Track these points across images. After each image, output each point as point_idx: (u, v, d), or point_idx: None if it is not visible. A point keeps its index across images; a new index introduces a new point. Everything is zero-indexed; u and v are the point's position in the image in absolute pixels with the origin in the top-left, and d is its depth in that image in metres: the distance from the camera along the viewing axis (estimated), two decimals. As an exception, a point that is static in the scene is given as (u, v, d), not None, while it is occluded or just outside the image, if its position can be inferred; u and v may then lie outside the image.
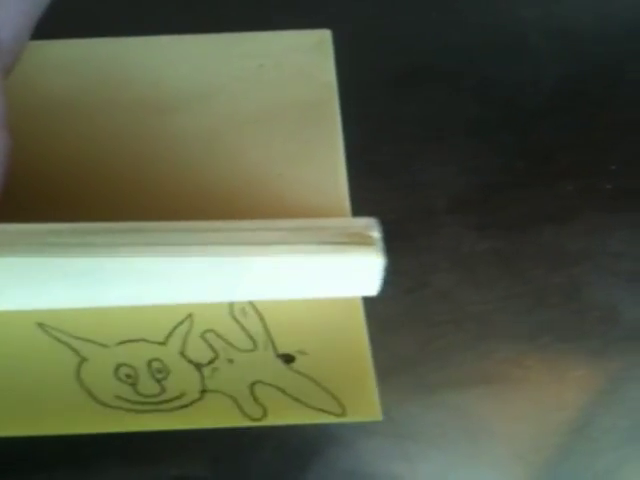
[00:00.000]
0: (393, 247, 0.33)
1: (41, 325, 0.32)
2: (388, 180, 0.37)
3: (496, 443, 0.31)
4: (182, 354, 0.31)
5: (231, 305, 0.33)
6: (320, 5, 0.42)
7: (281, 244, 0.30)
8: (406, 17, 0.42)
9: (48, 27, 0.33)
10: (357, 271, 0.31)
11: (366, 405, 0.30)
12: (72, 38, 0.40)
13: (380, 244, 0.30)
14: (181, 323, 0.32)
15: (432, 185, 0.37)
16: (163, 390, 0.30)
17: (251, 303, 0.33)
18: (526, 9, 0.43)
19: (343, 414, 0.30)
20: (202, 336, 0.32)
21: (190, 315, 0.32)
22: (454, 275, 0.35)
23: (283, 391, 0.31)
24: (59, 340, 0.32)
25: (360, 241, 0.30)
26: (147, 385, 0.31)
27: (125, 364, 0.31)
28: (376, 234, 0.30)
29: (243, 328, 0.32)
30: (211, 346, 0.32)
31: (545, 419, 0.31)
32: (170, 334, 0.32)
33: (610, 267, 0.35)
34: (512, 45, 0.41)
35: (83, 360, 0.31)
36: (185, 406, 0.30)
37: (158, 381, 0.31)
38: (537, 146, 0.38)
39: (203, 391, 0.31)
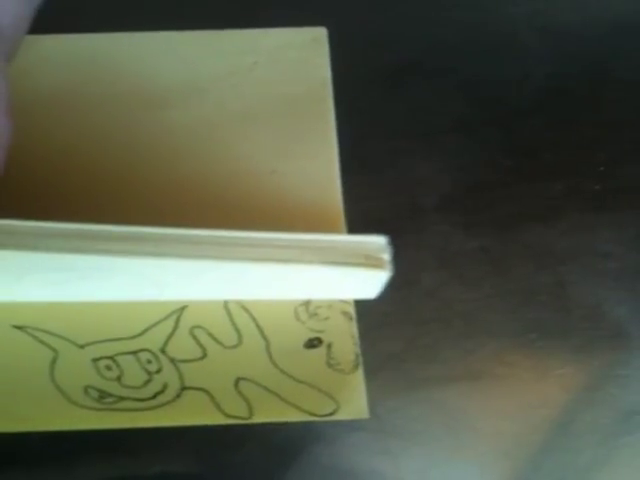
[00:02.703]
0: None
1: (20, 326, 0.32)
2: (376, 177, 0.37)
3: (479, 439, 0.31)
4: (165, 350, 0.32)
5: (223, 302, 0.33)
6: (310, 2, 0.42)
7: (289, 262, 0.30)
8: (395, 15, 0.42)
9: (42, 22, 0.33)
10: (362, 285, 0.32)
11: (354, 403, 0.31)
12: (65, 33, 0.40)
13: (389, 264, 0.30)
14: (168, 318, 0.32)
15: (420, 182, 0.37)
16: (150, 380, 0.31)
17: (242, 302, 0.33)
18: (514, 8, 0.43)
19: (330, 413, 0.30)
20: (191, 333, 0.32)
21: (180, 310, 0.33)
22: (441, 273, 0.35)
23: (268, 389, 0.31)
24: (37, 339, 0.32)
25: (370, 263, 0.30)
26: (133, 376, 0.31)
27: (106, 357, 0.31)
28: (387, 256, 0.30)
29: (233, 323, 0.32)
30: (198, 342, 0.32)
31: (528, 415, 0.32)
32: (156, 329, 0.32)
33: (596, 266, 0.35)
34: (500, 43, 0.42)
35: (58, 357, 0.31)
36: (167, 403, 0.30)
37: (148, 373, 0.31)
38: (525, 145, 0.38)
39: (185, 388, 0.31)
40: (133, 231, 0.29)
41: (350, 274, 0.30)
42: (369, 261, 0.30)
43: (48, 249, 0.28)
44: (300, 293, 0.33)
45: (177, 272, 0.30)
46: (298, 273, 0.31)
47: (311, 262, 0.30)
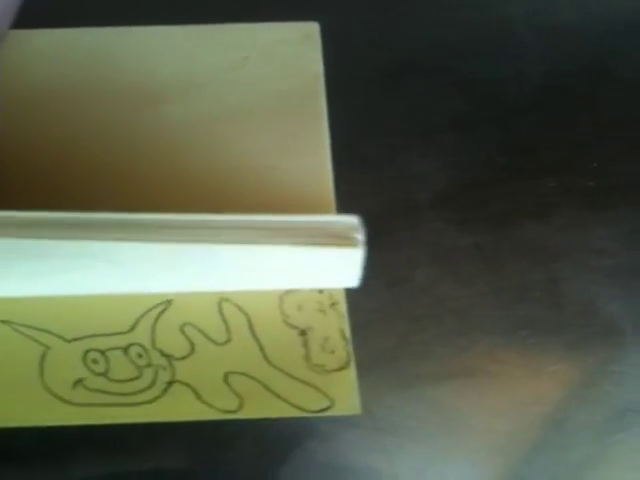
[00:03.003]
0: (375, 241, 0.33)
1: (6, 322, 0.32)
2: (371, 174, 0.37)
3: (473, 436, 0.31)
4: (154, 345, 0.32)
5: (212, 297, 0.33)
6: (309, 1, 0.42)
7: (258, 243, 0.30)
8: (392, 12, 0.42)
9: (39, 17, 0.32)
10: (337, 267, 0.32)
11: (346, 399, 0.31)
12: (62, 27, 0.40)
13: (362, 243, 0.30)
14: (159, 312, 0.32)
15: (415, 179, 0.37)
16: (139, 375, 0.31)
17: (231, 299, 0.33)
18: (512, 6, 0.43)
19: (322, 409, 0.30)
20: (180, 328, 0.32)
21: (167, 303, 0.32)
22: (435, 270, 0.35)
23: (260, 384, 0.31)
24: (24, 335, 0.32)
25: (342, 242, 0.30)
26: (121, 371, 0.31)
27: (94, 351, 0.31)
28: (359, 236, 0.30)
29: (223, 320, 0.32)
30: (187, 338, 0.32)
31: (522, 412, 0.32)
32: (143, 322, 0.32)
33: (589, 263, 0.35)
34: (497, 41, 0.42)
35: (48, 352, 0.31)
36: (156, 398, 0.30)
37: (137, 367, 0.31)
38: (520, 142, 0.38)
39: (173, 382, 0.31)
40: (105, 218, 0.30)
41: (322, 255, 0.30)
42: (341, 241, 0.30)
43: (29, 236, 0.29)
44: (280, 281, 0.33)
45: (150, 257, 0.31)
46: (270, 255, 0.31)
47: (281, 243, 0.30)
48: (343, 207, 0.35)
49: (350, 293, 0.33)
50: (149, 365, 0.31)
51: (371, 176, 0.37)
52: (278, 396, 0.31)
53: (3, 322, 0.32)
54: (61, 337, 0.32)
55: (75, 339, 0.32)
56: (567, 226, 0.36)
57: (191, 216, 0.31)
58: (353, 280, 0.32)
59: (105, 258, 0.31)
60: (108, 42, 0.40)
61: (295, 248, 0.30)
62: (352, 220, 0.31)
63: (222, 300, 0.33)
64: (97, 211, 0.30)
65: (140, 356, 0.31)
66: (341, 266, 0.32)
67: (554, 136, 0.39)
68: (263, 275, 0.32)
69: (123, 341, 0.32)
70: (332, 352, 0.32)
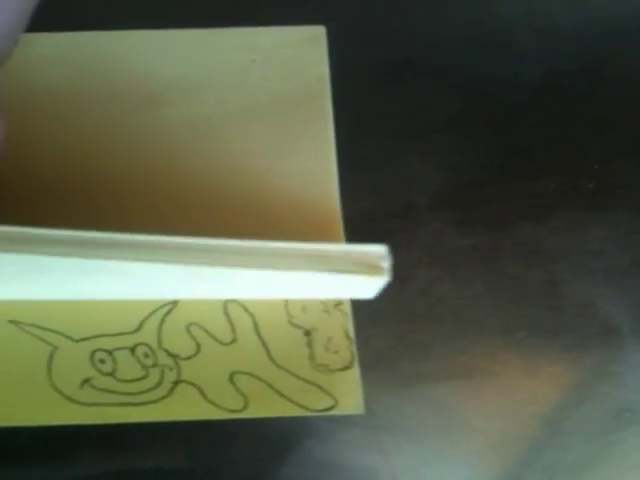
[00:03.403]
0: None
1: (14, 322, 0.32)
2: (369, 174, 0.37)
3: (471, 436, 0.32)
4: (161, 345, 0.32)
5: (218, 299, 0.33)
6: (307, 1, 0.42)
7: (290, 270, 0.30)
8: (391, 13, 0.42)
9: (39, 20, 0.33)
10: (361, 289, 0.32)
11: (350, 399, 0.31)
12: (64, 31, 0.40)
13: (388, 271, 0.30)
14: (165, 313, 0.33)
15: (414, 180, 0.37)
16: (146, 375, 0.31)
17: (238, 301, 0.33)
18: (510, 7, 0.43)
19: (326, 409, 0.31)
20: (186, 328, 0.32)
21: (173, 303, 0.33)
22: (434, 271, 0.35)
23: (265, 383, 0.31)
24: (33, 334, 0.32)
25: (371, 271, 0.30)
26: (128, 371, 0.31)
27: (102, 351, 0.32)
28: (386, 264, 0.30)
29: (228, 320, 0.33)
30: (193, 338, 0.32)
31: (519, 413, 0.32)
32: (149, 322, 0.32)
33: (588, 264, 0.35)
34: (496, 42, 0.42)
35: (56, 352, 0.31)
36: (162, 397, 0.31)
37: (144, 367, 0.31)
38: (518, 143, 0.38)
39: (179, 382, 0.31)
40: (126, 239, 0.29)
41: (351, 281, 0.31)
42: (370, 270, 0.30)
43: (37, 253, 0.29)
44: (299, 295, 0.33)
45: (174, 277, 0.31)
46: (299, 280, 0.31)
47: (313, 270, 0.30)
48: (341, 208, 0.35)
49: (350, 294, 0.34)
50: (155, 365, 0.31)
51: (369, 177, 0.37)
52: (282, 395, 0.31)
53: (12, 322, 0.32)
54: (69, 337, 0.32)
55: (83, 339, 0.32)
56: (565, 227, 0.36)
57: (213, 240, 0.30)
58: (370, 295, 0.32)
59: (117, 274, 0.31)
60: (110, 46, 0.40)
61: (326, 275, 0.30)
62: (380, 250, 0.31)
63: (228, 301, 0.33)
64: (111, 230, 0.30)
65: (147, 356, 0.32)
66: (365, 288, 0.32)
67: (552, 137, 0.39)
68: (283, 292, 0.33)
69: (130, 341, 0.32)
70: (336, 352, 0.32)
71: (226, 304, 0.33)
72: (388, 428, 0.31)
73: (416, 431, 0.32)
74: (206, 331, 0.32)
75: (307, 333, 0.32)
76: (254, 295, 0.33)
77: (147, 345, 0.32)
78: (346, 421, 0.31)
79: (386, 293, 0.33)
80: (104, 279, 0.31)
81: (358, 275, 0.30)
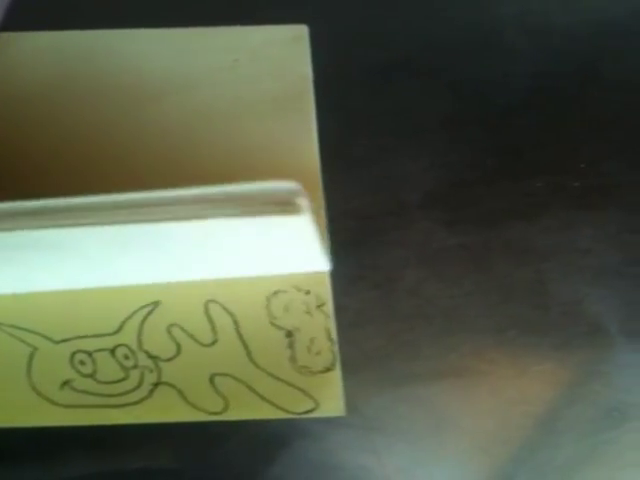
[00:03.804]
0: (364, 242, 0.34)
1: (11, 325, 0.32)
2: (360, 174, 0.37)
3: (462, 436, 0.32)
4: (141, 346, 0.32)
5: (199, 298, 0.33)
6: (297, 1, 0.42)
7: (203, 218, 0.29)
8: (383, 13, 0.42)
9: (38, 18, 0.32)
10: (292, 242, 0.31)
11: (330, 401, 0.31)
12: (54, 30, 0.40)
13: (308, 211, 0.29)
14: (146, 314, 0.32)
15: (404, 180, 0.37)
16: (126, 377, 0.31)
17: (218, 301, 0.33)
18: (503, 7, 0.43)
19: (307, 411, 0.31)
20: (167, 329, 0.32)
21: (154, 304, 0.32)
22: (423, 270, 0.35)
23: (245, 385, 0.31)
24: (12, 335, 0.32)
25: (285, 210, 0.29)
26: (108, 372, 0.31)
27: (82, 353, 0.31)
28: (302, 201, 0.29)
29: (209, 321, 0.32)
30: (174, 339, 0.32)
31: (509, 412, 0.32)
32: (129, 323, 0.32)
33: (576, 263, 0.35)
34: (488, 42, 0.42)
35: (36, 353, 0.31)
36: (142, 399, 0.30)
37: (124, 369, 0.31)
38: (509, 143, 0.38)
39: (159, 383, 0.31)
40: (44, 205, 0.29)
41: (265, 223, 0.29)
42: (284, 207, 0.29)
43: None
44: (241, 264, 0.32)
45: (104, 241, 0.30)
46: (213, 230, 0.30)
47: (219, 215, 0.29)
48: (331, 207, 0.35)
49: (339, 293, 0.33)
50: (136, 367, 0.31)
51: (360, 176, 0.37)
52: (263, 398, 0.31)
53: None
54: (49, 338, 0.32)
55: (63, 340, 0.32)
56: (554, 226, 0.36)
57: (128, 195, 0.29)
58: (323, 262, 0.32)
59: (49, 246, 0.30)
60: (100, 44, 0.40)
61: (234, 219, 0.29)
62: (292, 185, 0.29)
63: (209, 301, 0.33)
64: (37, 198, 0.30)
65: (127, 357, 0.31)
66: (296, 240, 0.31)
67: (543, 137, 0.39)
68: (220, 257, 0.32)
69: (110, 342, 0.32)
70: (318, 354, 0.32)
71: (207, 304, 0.33)
72: (379, 428, 0.31)
73: (407, 431, 0.31)
74: (187, 332, 0.32)
75: (289, 334, 0.32)
76: (199, 269, 0.32)
77: (127, 346, 0.32)
78: (337, 422, 0.31)
79: (376, 292, 0.33)
80: (40, 257, 0.31)
81: (272, 216, 0.29)
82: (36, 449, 0.30)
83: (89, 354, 0.31)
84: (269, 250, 0.32)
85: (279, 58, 0.40)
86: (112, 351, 0.31)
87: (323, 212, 0.35)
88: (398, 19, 0.42)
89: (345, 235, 0.34)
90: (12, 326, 0.32)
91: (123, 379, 0.31)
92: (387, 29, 0.42)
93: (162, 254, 0.32)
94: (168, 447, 0.30)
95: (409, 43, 0.41)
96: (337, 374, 0.32)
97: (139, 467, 0.30)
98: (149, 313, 0.32)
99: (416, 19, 0.42)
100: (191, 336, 0.32)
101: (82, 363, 0.31)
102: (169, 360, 0.31)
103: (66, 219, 0.29)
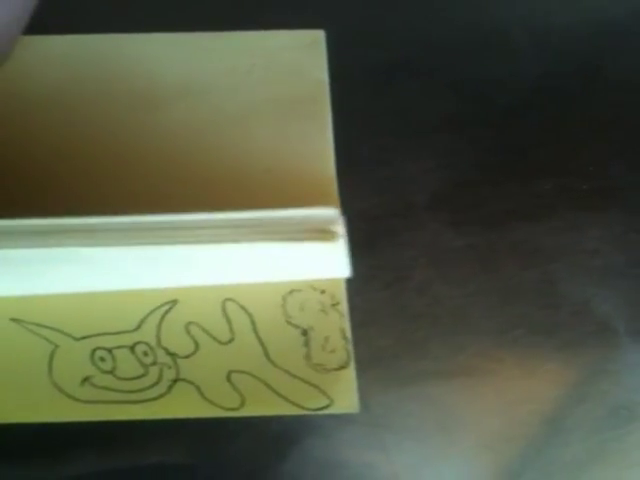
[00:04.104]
0: (372, 243, 0.34)
1: (16, 320, 0.32)
2: (366, 175, 0.37)
3: (468, 434, 0.32)
4: (160, 343, 0.32)
5: (217, 297, 0.33)
6: (302, 2, 0.42)
7: (234, 242, 0.31)
8: (385, 14, 0.42)
9: (41, 23, 0.33)
10: (322, 261, 0.32)
11: (345, 398, 0.31)
12: (66, 34, 0.40)
13: (343, 237, 0.31)
14: (165, 312, 0.33)
15: (410, 181, 0.37)
16: (145, 373, 0.31)
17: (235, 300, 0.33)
18: (506, 8, 0.43)
19: (321, 407, 0.31)
20: (185, 327, 0.32)
21: (173, 302, 0.33)
22: (431, 270, 0.35)
23: (261, 381, 0.31)
24: (34, 332, 0.32)
25: (321, 237, 0.31)
26: (128, 369, 0.31)
27: (102, 349, 0.32)
28: (339, 228, 0.31)
29: (227, 319, 0.33)
30: (192, 337, 0.32)
31: (516, 411, 0.32)
32: (148, 321, 0.32)
33: (583, 263, 0.36)
34: (492, 42, 0.42)
35: (57, 350, 0.32)
36: (161, 395, 0.31)
37: (143, 365, 0.31)
38: (514, 143, 0.39)
39: (178, 380, 0.31)
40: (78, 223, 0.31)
41: (305, 250, 0.31)
42: (323, 235, 0.30)
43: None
44: (268, 273, 0.33)
45: (127, 260, 0.31)
46: (250, 252, 0.31)
47: (257, 240, 0.30)
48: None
49: (348, 294, 0.34)
50: (155, 363, 0.32)
51: (366, 178, 0.37)
52: (278, 394, 0.31)
53: (13, 320, 0.32)
54: (70, 335, 0.32)
55: (83, 337, 0.32)
56: (561, 227, 0.36)
57: (166, 217, 0.31)
58: (343, 271, 0.32)
59: (84, 262, 0.31)
60: (111, 49, 0.40)
61: (272, 244, 0.31)
62: (331, 213, 0.31)
63: (226, 300, 0.33)
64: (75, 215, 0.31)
65: (146, 354, 0.32)
66: (326, 259, 0.32)
67: (548, 137, 0.39)
68: (251, 270, 0.33)
69: (130, 340, 0.32)
70: (332, 351, 0.32)
71: (225, 303, 0.33)
72: (388, 426, 0.32)
73: (415, 429, 0.32)
74: (205, 330, 0.32)
75: (304, 332, 0.33)
76: (224, 277, 0.33)
77: (146, 344, 0.32)
78: (345, 419, 0.31)
79: (384, 292, 0.33)
80: (73, 270, 0.32)
81: (311, 242, 0.30)
82: (48, 445, 0.31)
83: (109, 351, 0.32)
84: (294, 262, 0.33)
85: (296, 63, 0.40)
86: (131, 348, 0.32)
87: (340, 217, 0.35)
88: (400, 19, 0.42)
89: (353, 236, 0.34)
90: (34, 323, 0.32)
91: (142, 375, 0.31)
92: (389, 30, 0.42)
93: (189, 269, 0.32)
94: (179, 443, 0.31)
95: (412, 43, 0.42)
96: (351, 372, 0.32)
97: (151, 463, 0.30)
98: (167, 311, 0.33)
99: (418, 19, 0.43)
100: (209, 334, 0.32)
101: (102, 360, 0.31)
102: (187, 357, 0.32)
103: (104, 238, 0.30)
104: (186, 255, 0.32)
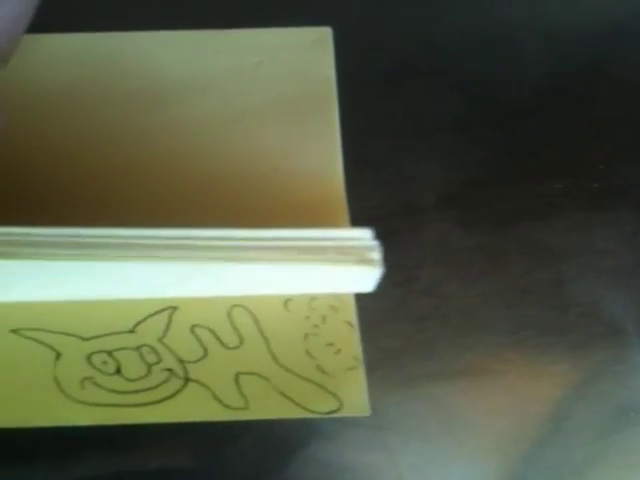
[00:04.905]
0: (381, 242, 0.34)
1: (15, 330, 0.32)
2: (376, 175, 0.37)
3: (476, 435, 0.32)
4: (166, 346, 0.32)
5: (224, 301, 0.33)
6: (309, 3, 0.42)
7: (280, 261, 0.31)
8: (392, 14, 0.42)
9: (44, 21, 0.33)
10: (355, 281, 0.32)
11: (355, 401, 0.31)
12: (71, 32, 0.41)
13: (379, 262, 0.31)
14: (168, 314, 0.33)
15: (419, 181, 0.37)
16: (152, 376, 0.31)
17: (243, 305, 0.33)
18: (512, 8, 0.43)
19: (332, 411, 0.31)
20: (191, 330, 0.32)
21: (174, 307, 0.33)
22: (440, 270, 0.35)
23: (270, 384, 0.31)
24: (36, 339, 0.32)
25: (360, 260, 0.31)
26: (133, 371, 0.31)
27: (106, 352, 0.32)
28: (377, 255, 0.31)
29: (232, 325, 0.33)
30: (200, 341, 0.32)
31: (524, 412, 0.32)
32: (153, 322, 0.33)
33: (593, 264, 0.35)
34: (498, 43, 0.42)
35: (60, 354, 0.32)
36: (168, 398, 0.31)
37: (148, 365, 0.31)
38: (523, 143, 0.39)
39: (185, 383, 0.31)
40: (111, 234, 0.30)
41: (341, 272, 0.31)
42: (360, 259, 0.31)
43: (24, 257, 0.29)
44: (292, 289, 0.33)
45: (158, 275, 0.31)
46: (287, 272, 0.31)
47: (298, 261, 0.31)
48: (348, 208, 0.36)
49: (356, 294, 0.34)
50: (160, 365, 0.32)
51: (374, 177, 0.37)
52: (287, 397, 0.31)
53: (13, 331, 0.32)
54: (74, 338, 0.32)
55: (86, 340, 0.32)
56: (571, 227, 0.36)
57: (205, 231, 0.31)
58: (368, 288, 0.33)
59: (109, 277, 0.31)
60: (115, 47, 0.40)
61: (312, 266, 0.31)
62: (371, 241, 0.31)
63: (233, 305, 0.33)
64: (100, 225, 0.31)
65: (151, 357, 0.32)
66: (358, 280, 0.32)
67: (556, 137, 0.39)
68: (277, 285, 0.33)
69: (134, 342, 0.32)
70: (341, 353, 0.32)
71: (231, 307, 0.33)
72: (393, 427, 0.32)
73: (421, 430, 0.32)
74: (212, 334, 0.32)
75: (312, 335, 0.33)
76: (249, 291, 0.33)
77: (152, 346, 0.32)
78: (351, 421, 0.31)
79: (392, 292, 0.33)
80: (99, 280, 0.32)
81: (349, 266, 0.31)
82: (52, 448, 0.31)
83: (111, 353, 0.32)
84: (323, 280, 0.33)
85: (302, 60, 0.40)
86: (136, 350, 0.32)
87: (347, 215, 0.35)
88: (407, 19, 0.42)
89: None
90: (36, 329, 0.32)
91: (148, 378, 0.31)
92: (397, 31, 0.42)
93: (214, 284, 0.33)
94: (183, 446, 0.31)
95: (420, 44, 0.42)
96: (361, 374, 0.32)
97: (154, 467, 0.30)
98: (173, 313, 0.33)
99: (426, 20, 0.43)
100: (217, 338, 0.32)
101: (105, 363, 0.31)
102: (195, 361, 0.32)
103: (130, 251, 0.30)
104: (219, 272, 0.32)
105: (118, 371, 0.31)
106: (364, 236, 0.32)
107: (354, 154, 0.37)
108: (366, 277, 0.32)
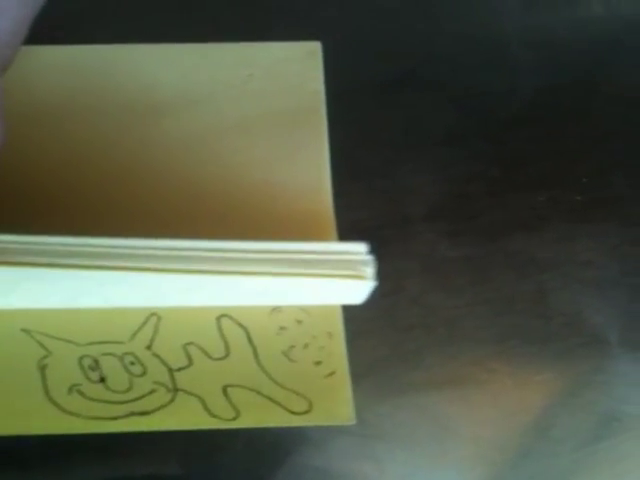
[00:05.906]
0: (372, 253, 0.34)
1: (25, 330, 0.33)
2: (366, 186, 0.38)
3: (462, 444, 0.32)
4: (154, 354, 0.32)
5: (212, 311, 0.33)
6: (307, 14, 0.43)
7: (271, 274, 0.31)
8: (386, 27, 0.43)
9: (40, 32, 0.33)
10: (347, 294, 0.33)
11: (341, 410, 0.31)
12: (64, 44, 0.41)
13: (373, 276, 0.31)
14: (154, 324, 0.33)
15: (409, 192, 0.38)
16: (131, 386, 0.31)
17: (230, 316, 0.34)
18: (506, 22, 0.43)
19: (318, 419, 0.31)
20: (180, 341, 0.33)
21: (161, 317, 0.33)
22: (426, 281, 0.35)
23: (257, 394, 0.31)
24: (27, 342, 0.32)
25: (354, 274, 0.31)
26: (117, 380, 0.31)
27: (90, 357, 0.32)
28: (370, 269, 0.31)
29: (222, 336, 0.33)
30: (186, 352, 0.32)
31: (509, 421, 0.33)
32: (142, 335, 0.33)
33: (577, 275, 0.36)
34: (491, 56, 0.42)
35: (50, 362, 0.32)
36: (158, 408, 0.31)
37: (131, 375, 0.31)
38: (511, 156, 0.39)
39: (175, 392, 0.31)
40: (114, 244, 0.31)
41: (335, 285, 0.31)
42: (354, 273, 0.31)
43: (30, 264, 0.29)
44: (284, 301, 0.34)
45: (158, 285, 0.31)
46: (280, 284, 0.31)
47: (292, 275, 0.31)
48: (336, 219, 0.36)
49: (343, 305, 0.34)
50: (148, 375, 0.32)
51: (364, 188, 0.38)
52: (276, 406, 0.31)
53: (23, 330, 0.32)
54: (65, 344, 0.32)
55: (75, 347, 0.32)
56: (555, 239, 0.37)
57: (200, 243, 0.31)
58: (358, 300, 0.33)
59: (111, 285, 0.32)
60: (113, 59, 0.40)
61: (302, 279, 0.31)
62: (366, 255, 0.32)
63: (221, 316, 0.33)
64: (103, 235, 0.31)
65: (138, 367, 0.32)
66: (350, 293, 0.33)
67: (545, 150, 0.39)
68: (268, 297, 0.33)
69: (122, 350, 0.32)
70: (326, 363, 0.32)
71: (220, 318, 0.33)
72: (381, 436, 0.32)
73: (408, 439, 0.32)
74: (199, 346, 0.32)
75: (301, 345, 0.33)
76: (242, 302, 0.33)
77: (138, 356, 0.32)
78: (338, 429, 0.31)
79: (379, 302, 0.34)
80: (104, 288, 0.32)
81: (343, 279, 0.31)
82: (44, 455, 0.31)
83: (97, 360, 0.32)
84: (315, 292, 0.33)
85: (292, 74, 0.40)
86: (123, 359, 0.32)
87: (334, 227, 0.36)
88: (398, 32, 0.43)
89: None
90: (32, 331, 0.32)
91: (137, 388, 0.31)
92: (391, 43, 0.42)
93: (207, 295, 0.33)
94: (173, 454, 0.31)
95: (410, 56, 0.42)
96: (347, 384, 0.32)
97: (144, 474, 0.30)
98: (158, 322, 0.33)
99: (417, 32, 0.43)
100: (203, 350, 0.32)
101: (92, 369, 0.32)
102: (182, 369, 0.32)
103: (125, 261, 0.30)
104: (213, 284, 0.32)
105: (104, 380, 0.31)
106: (359, 250, 0.32)
107: (346, 165, 0.38)
108: (359, 290, 0.32)
